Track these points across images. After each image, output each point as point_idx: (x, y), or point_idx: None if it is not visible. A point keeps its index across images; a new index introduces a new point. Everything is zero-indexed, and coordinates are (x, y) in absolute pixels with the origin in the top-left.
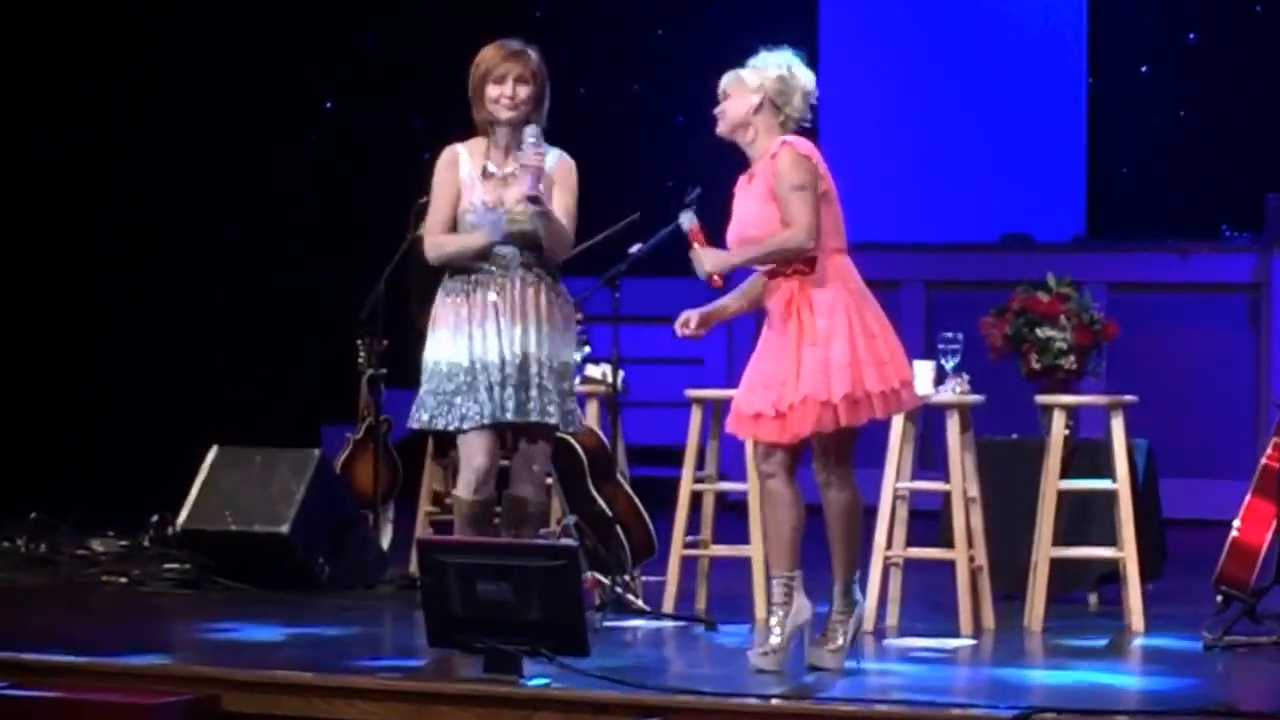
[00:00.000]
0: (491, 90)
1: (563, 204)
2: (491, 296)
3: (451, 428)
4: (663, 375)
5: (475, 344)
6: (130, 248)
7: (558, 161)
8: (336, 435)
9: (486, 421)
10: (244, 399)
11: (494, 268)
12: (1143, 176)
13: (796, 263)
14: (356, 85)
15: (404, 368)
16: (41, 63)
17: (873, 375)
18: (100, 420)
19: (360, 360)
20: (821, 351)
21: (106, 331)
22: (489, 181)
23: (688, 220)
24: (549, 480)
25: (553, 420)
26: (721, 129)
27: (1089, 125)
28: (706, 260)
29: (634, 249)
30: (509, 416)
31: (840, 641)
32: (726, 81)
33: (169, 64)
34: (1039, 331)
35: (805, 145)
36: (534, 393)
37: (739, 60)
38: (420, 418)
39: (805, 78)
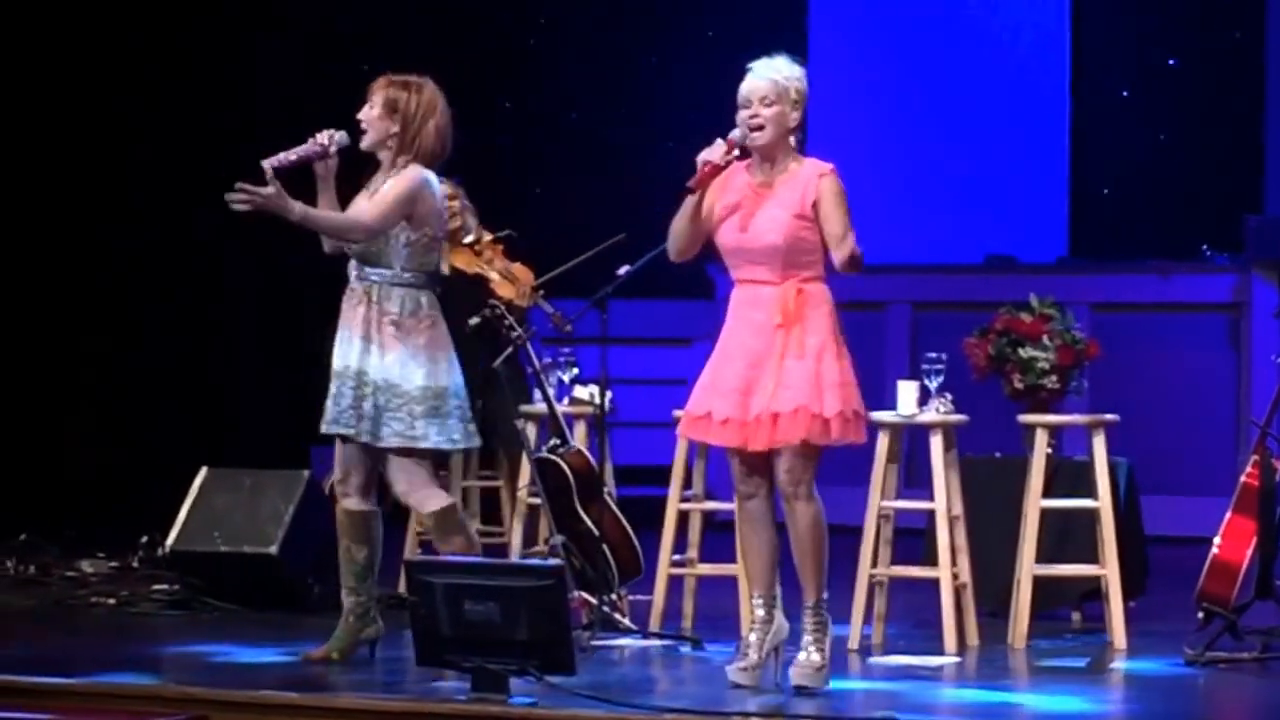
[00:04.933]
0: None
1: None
2: (345, 311)
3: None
4: (649, 396)
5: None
6: (120, 270)
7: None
8: (326, 456)
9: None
10: (234, 420)
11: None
12: (1124, 198)
13: (796, 277)
14: (347, 108)
15: None
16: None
17: (856, 397)
18: (90, 442)
19: None
20: (811, 365)
21: (97, 353)
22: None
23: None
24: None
25: (360, 438)
26: (764, 140)
27: (1071, 148)
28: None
29: (622, 271)
30: (333, 429)
31: (819, 660)
32: (765, 89)
33: (160, 86)
34: (1022, 351)
35: None
36: (356, 406)
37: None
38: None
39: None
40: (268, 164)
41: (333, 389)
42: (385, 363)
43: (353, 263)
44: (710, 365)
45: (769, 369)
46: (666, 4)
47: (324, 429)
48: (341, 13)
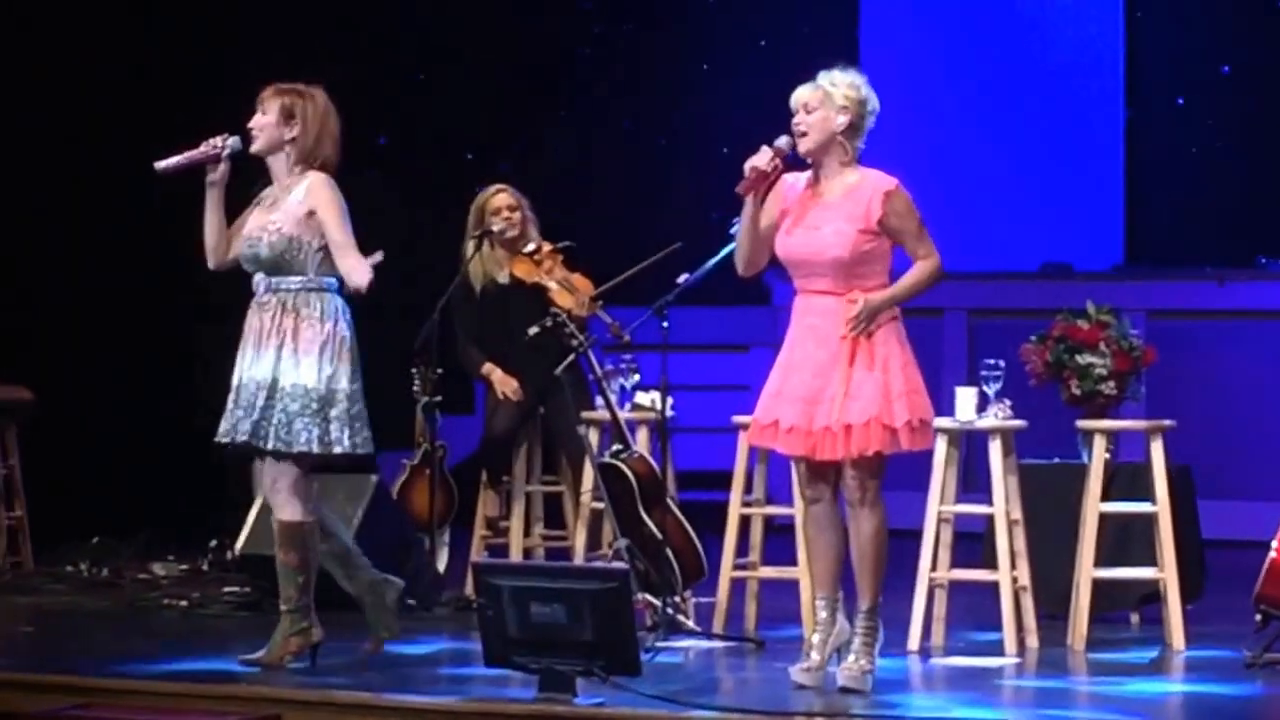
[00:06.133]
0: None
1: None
2: (254, 323)
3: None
4: (710, 401)
5: (239, 365)
6: (192, 276)
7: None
8: (392, 461)
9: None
10: None
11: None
12: (1179, 206)
13: (859, 287)
14: (410, 120)
15: (458, 395)
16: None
17: (921, 404)
18: (161, 445)
19: (416, 388)
20: (880, 376)
21: (169, 357)
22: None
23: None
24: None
25: (267, 445)
26: (808, 145)
27: (1126, 156)
28: (871, 306)
29: (682, 279)
30: (244, 439)
31: (867, 664)
32: (808, 95)
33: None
34: (1079, 358)
35: None
36: (278, 416)
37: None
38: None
39: (875, 100)
40: (159, 166)
41: (242, 401)
42: (300, 369)
43: (260, 276)
44: (775, 373)
45: (836, 379)
46: (719, 13)
47: (241, 440)
48: (394, 23)
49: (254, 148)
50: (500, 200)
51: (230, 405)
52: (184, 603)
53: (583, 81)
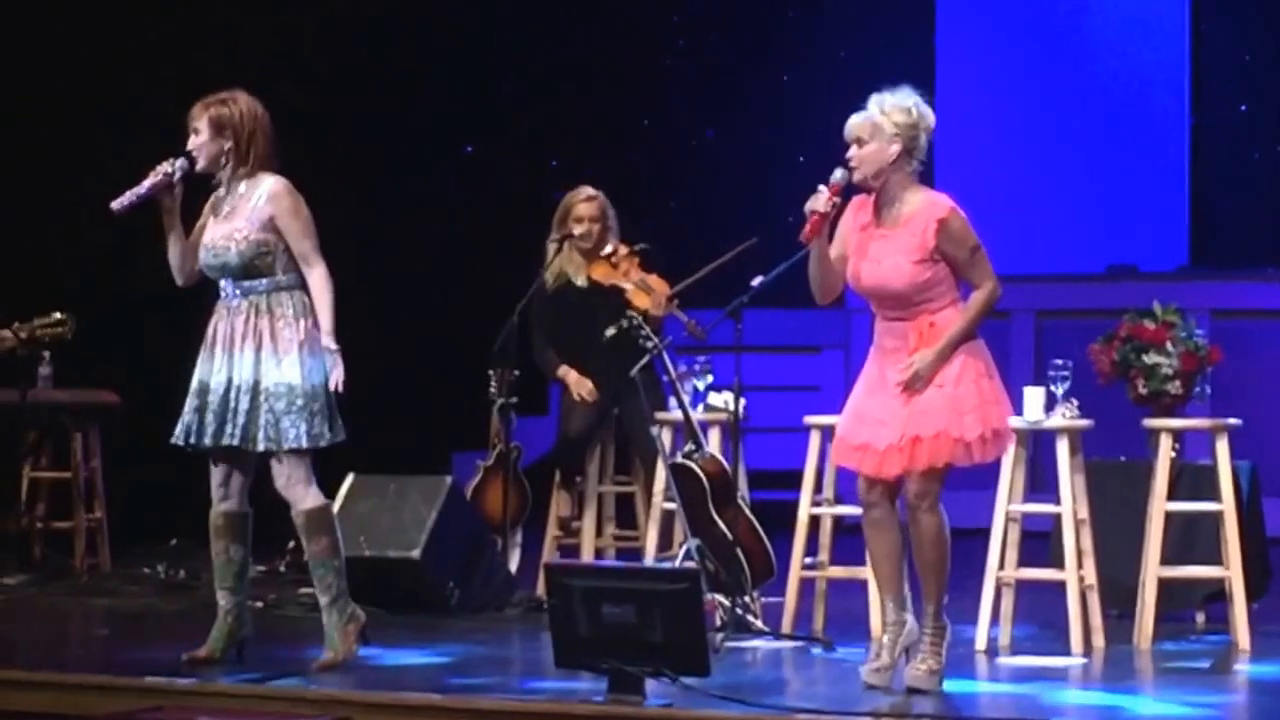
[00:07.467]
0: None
1: (289, 230)
2: (221, 326)
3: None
4: (782, 402)
5: (204, 368)
6: None
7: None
8: (467, 462)
9: (192, 441)
10: (379, 427)
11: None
12: (1242, 208)
13: (926, 311)
14: (495, 127)
15: (533, 396)
16: None
17: (994, 414)
18: None
19: (492, 390)
20: (950, 391)
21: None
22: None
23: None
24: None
25: (257, 447)
26: (860, 176)
27: (1191, 160)
28: (923, 366)
29: (756, 281)
30: (218, 441)
31: (935, 664)
32: (859, 127)
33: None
34: (1145, 358)
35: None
36: (265, 417)
37: (858, 103)
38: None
39: (930, 116)
40: (115, 206)
41: (212, 404)
42: (282, 368)
43: (228, 281)
44: (854, 392)
45: (905, 398)
46: (798, 26)
47: (213, 443)
48: (482, 35)
49: (199, 168)
50: (584, 210)
51: (192, 406)
52: (260, 604)
53: (666, 92)
